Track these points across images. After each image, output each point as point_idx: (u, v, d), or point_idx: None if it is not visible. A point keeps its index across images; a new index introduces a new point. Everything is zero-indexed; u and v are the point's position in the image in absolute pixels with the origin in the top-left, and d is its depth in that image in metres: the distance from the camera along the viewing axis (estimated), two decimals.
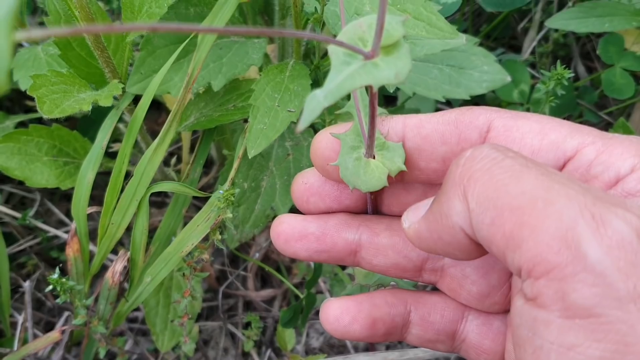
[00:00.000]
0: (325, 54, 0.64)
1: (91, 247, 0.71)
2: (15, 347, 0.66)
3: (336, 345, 0.78)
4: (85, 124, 0.76)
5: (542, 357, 0.26)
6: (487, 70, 0.67)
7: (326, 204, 0.38)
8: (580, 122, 0.33)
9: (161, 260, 0.58)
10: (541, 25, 0.91)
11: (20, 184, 0.82)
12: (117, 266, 0.59)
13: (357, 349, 0.76)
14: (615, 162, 0.31)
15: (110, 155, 0.68)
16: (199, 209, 0.58)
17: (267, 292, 0.80)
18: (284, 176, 0.67)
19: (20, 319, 0.69)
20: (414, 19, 0.49)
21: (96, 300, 0.61)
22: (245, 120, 0.55)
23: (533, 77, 0.88)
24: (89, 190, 0.58)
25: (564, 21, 0.74)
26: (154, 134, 0.59)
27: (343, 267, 0.68)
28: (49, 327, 0.76)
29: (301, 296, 0.63)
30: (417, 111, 0.80)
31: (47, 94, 0.53)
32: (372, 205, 0.39)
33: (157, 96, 0.68)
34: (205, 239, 0.56)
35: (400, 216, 0.35)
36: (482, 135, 0.34)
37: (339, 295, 0.57)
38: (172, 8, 0.57)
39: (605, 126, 0.87)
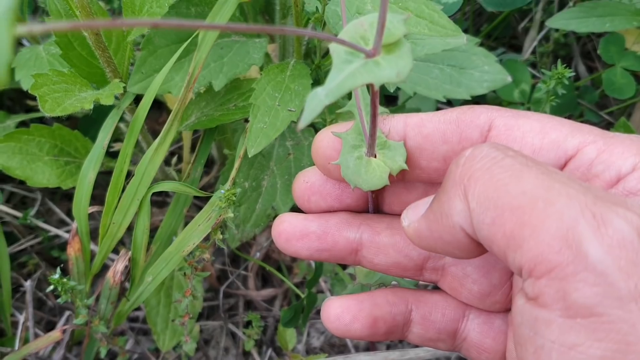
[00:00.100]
0: (326, 54, 0.64)
1: (92, 246, 0.71)
2: (16, 347, 0.66)
3: (337, 345, 0.78)
4: (86, 124, 0.76)
5: (543, 356, 0.26)
6: (487, 70, 0.67)
7: (327, 202, 0.38)
8: (581, 122, 0.33)
9: (162, 260, 0.58)
10: (542, 25, 0.91)
11: (21, 183, 0.82)
12: (118, 266, 0.59)
13: (357, 349, 0.76)
14: (616, 161, 0.31)
15: (112, 154, 0.68)
16: (200, 208, 0.58)
17: (268, 292, 0.80)
18: (285, 175, 0.67)
19: (21, 318, 0.69)
20: (416, 17, 0.49)
21: (97, 299, 0.61)
22: (246, 120, 0.55)
23: (534, 76, 0.88)
24: (90, 190, 0.58)
25: (564, 21, 0.74)
26: (155, 134, 0.59)
27: (344, 267, 0.68)
28: (50, 327, 0.76)
29: (302, 295, 0.63)
30: (417, 111, 0.80)
31: (48, 93, 0.53)
32: (373, 204, 0.39)
33: (158, 96, 0.67)
34: (206, 238, 0.56)
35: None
36: (483, 134, 0.34)
37: (340, 294, 0.57)
38: (173, 7, 0.57)
39: (606, 126, 0.87)
